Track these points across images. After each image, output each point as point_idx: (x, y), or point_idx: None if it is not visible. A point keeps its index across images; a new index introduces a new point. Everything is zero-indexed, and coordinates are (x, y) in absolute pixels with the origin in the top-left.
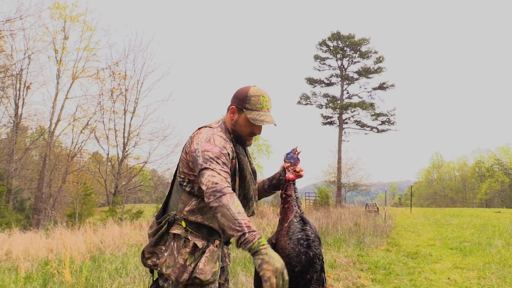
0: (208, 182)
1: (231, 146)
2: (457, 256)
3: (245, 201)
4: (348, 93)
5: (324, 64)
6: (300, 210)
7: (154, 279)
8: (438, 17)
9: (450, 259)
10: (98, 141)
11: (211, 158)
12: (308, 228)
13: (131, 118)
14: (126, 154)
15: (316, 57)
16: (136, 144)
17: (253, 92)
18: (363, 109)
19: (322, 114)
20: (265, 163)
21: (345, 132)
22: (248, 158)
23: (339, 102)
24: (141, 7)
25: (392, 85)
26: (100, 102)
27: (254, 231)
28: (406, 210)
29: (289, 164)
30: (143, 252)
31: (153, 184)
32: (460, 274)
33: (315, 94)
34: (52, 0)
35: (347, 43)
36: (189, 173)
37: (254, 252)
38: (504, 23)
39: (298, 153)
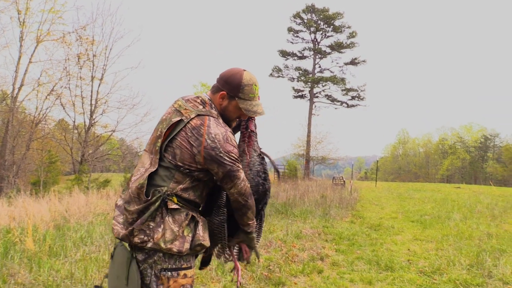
0: (245, 186)
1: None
2: (418, 229)
3: None
4: (320, 67)
5: (297, 37)
6: (259, 146)
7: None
8: None
9: (411, 231)
10: (64, 108)
11: (236, 159)
12: (265, 163)
13: (99, 85)
14: (93, 122)
15: (290, 30)
16: (104, 112)
17: (247, 80)
18: (334, 84)
19: (293, 87)
20: None
21: (315, 106)
22: None
23: (310, 75)
24: None
25: (364, 61)
26: (66, 68)
27: None
28: (371, 184)
29: None
30: (132, 230)
31: (121, 153)
32: (419, 245)
33: (287, 67)
34: None
35: (321, 16)
36: (191, 164)
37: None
38: (474, 6)
39: None
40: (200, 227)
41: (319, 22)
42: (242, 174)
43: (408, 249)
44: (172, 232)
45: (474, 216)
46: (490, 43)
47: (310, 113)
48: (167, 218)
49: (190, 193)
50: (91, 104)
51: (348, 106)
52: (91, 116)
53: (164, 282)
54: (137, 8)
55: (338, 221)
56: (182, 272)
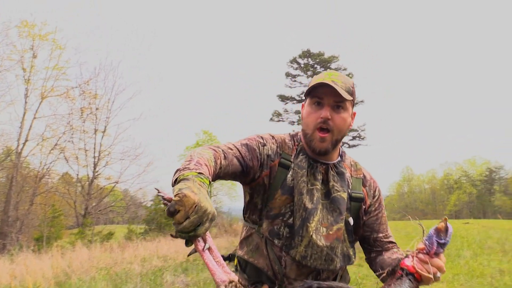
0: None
1: (276, 146)
2: None
3: (291, 231)
4: None
5: (295, 81)
6: None
7: None
8: (401, 35)
9: None
10: (67, 162)
11: (240, 141)
12: None
13: (102, 137)
14: (96, 174)
15: (288, 75)
16: (107, 163)
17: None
18: None
19: (294, 130)
20: None
21: None
22: (330, 182)
23: None
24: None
25: (362, 101)
26: (69, 122)
27: (202, 168)
28: None
29: (423, 246)
30: None
31: (125, 205)
32: (429, 286)
33: (287, 111)
34: (20, 19)
35: (317, 60)
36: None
37: (183, 179)
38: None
39: (441, 233)
40: None
41: (315, 66)
42: (230, 152)
43: None
44: None
45: (484, 252)
46: (487, 74)
47: None
48: None
49: (244, 249)
50: (94, 157)
51: (349, 146)
52: (94, 168)
53: None
54: (139, 61)
55: None
56: None
